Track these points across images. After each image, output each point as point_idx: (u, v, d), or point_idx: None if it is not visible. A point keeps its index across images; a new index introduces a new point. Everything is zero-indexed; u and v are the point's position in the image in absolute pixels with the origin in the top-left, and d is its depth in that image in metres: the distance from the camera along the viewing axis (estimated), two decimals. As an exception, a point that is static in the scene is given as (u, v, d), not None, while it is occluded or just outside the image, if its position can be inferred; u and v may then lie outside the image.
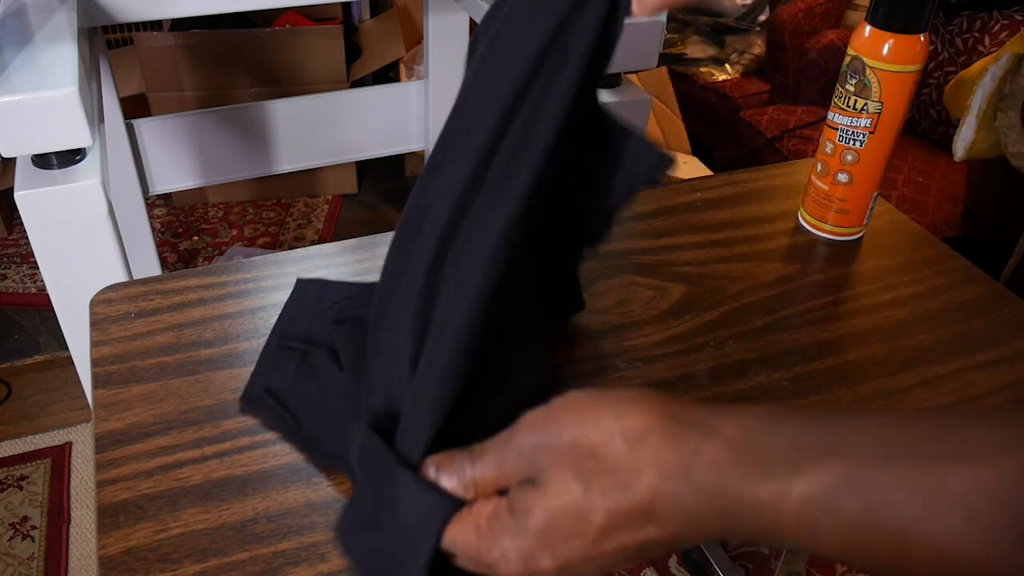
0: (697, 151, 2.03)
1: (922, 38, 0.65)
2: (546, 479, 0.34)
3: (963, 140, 1.37)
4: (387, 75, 2.16)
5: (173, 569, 0.47)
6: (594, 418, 0.34)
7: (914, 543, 0.28)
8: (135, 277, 0.71)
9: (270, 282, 0.69)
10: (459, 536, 0.37)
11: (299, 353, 0.58)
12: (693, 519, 0.32)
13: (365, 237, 0.74)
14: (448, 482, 0.38)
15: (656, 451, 0.32)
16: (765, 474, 0.30)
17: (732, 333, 0.64)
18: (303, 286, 0.64)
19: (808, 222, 0.76)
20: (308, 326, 0.60)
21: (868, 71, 0.67)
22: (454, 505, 0.38)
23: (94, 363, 0.60)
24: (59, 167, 0.76)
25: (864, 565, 0.29)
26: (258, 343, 0.63)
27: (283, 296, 0.67)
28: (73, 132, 0.73)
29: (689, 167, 1.85)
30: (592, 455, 0.33)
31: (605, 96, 0.94)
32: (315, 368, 0.56)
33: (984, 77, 1.30)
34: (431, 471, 0.39)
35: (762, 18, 2.30)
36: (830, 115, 0.71)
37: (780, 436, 0.31)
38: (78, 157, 0.77)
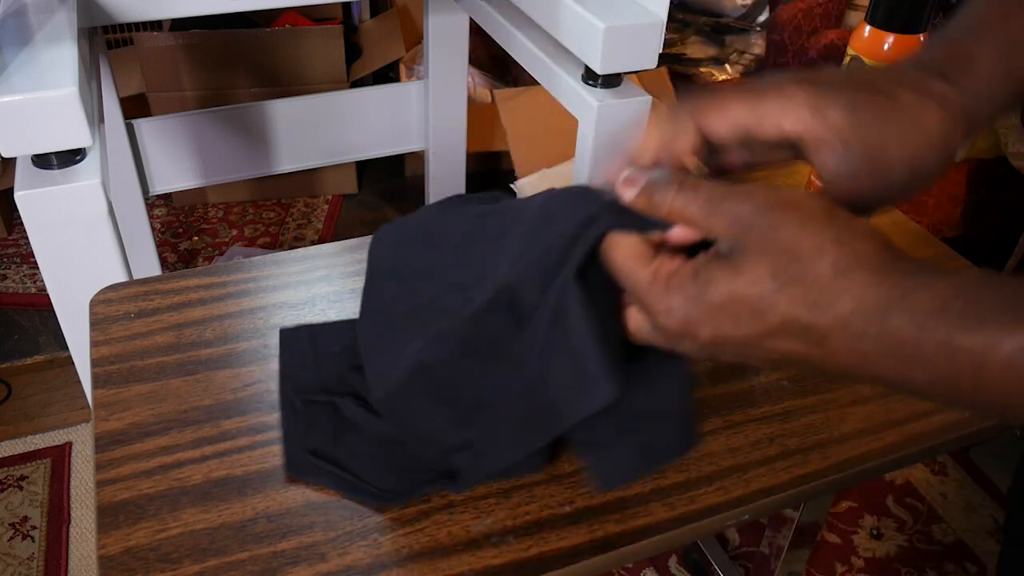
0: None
1: (922, 38, 0.65)
2: (743, 261, 0.35)
3: (963, 140, 1.37)
4: (387, 75, 2.16)
5: (173, 569, 0.47)
6: (816, 230, 0.34)
7: None
8: (135, 277, 0.71)
9: (270, 282, 0.69)
10: (633, 272, 0.38)
11: (328, 407, 0.56)
12: (868, 359, 0.33)
13: (365, 237, 0.74)
14: (632, 189, 0.38)
15: (860, 286, 0.33)
16: (975, 326, 0.30)
17: (732, 333, 0.64)
18: (290, 337, 0.62)
19: (808, 222, 0.76)
20: (316, 376, 0.58)
21: (868, 71, 0.67)
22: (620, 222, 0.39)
23: (94, 363, 0.60)
24: (59, 167, 0.76)
25: None
26: (258, 343, 0.63)
27: (283, 296, 0.67)
28: (73, 132, 0.73)
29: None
30: (798, 262, 0.33)
31: (606, 96, 0.94)
32: (351, 418, 0.55)
33: (984, 77, 1.30)
34: (626, 170, 0.39)
35: (762, 18, 2.30)
36: (830, 115, 0.71)
37: (993, 293, 0.31)
38: (78, 157, 0.77)
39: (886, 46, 0.65)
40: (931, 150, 0.39)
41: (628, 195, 0.39)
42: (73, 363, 0.84)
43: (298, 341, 0.61)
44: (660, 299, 0.37)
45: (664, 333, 0.38)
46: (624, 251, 0.38)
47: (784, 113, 0.40)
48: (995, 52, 0.41)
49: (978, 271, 0.32)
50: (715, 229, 0.36)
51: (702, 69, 2.23)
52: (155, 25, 1.92)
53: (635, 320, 0.41)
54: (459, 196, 0.61)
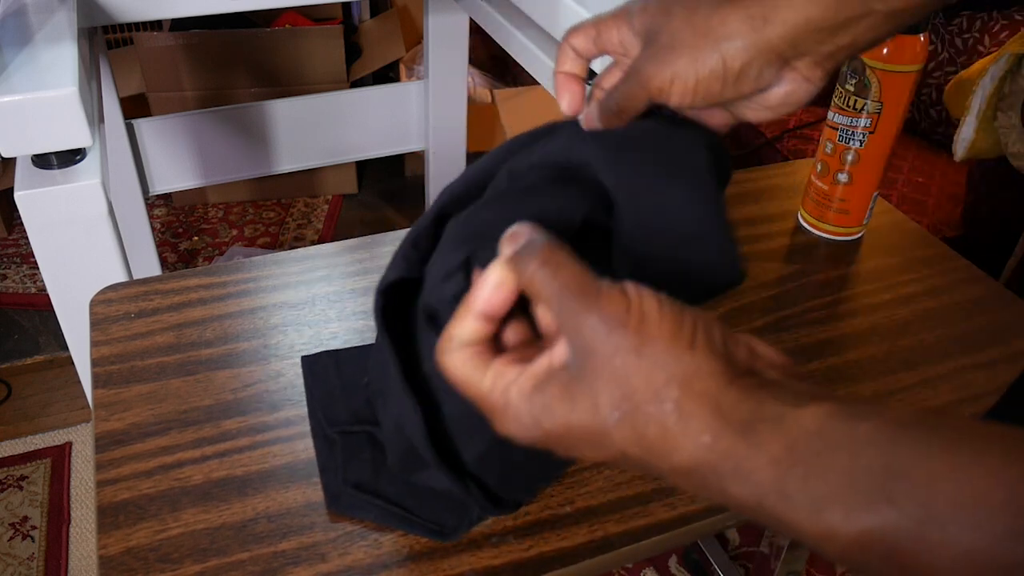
0: (697, 151, 2.02)
1: (922, 38, 0.65)
2: (579, 389, 0.32)
3: (963, 140, 1.37)
4: (387, 75, 2.16)
5: (173, 569, 0.47)
6: (655, 364, 0.31)
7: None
8: (135, 277, 0.71)
9: (270, 282, 0.69)
10: (468, 386, 0.35)
11: (365, 437, 0.55)
12: (711, 500, 0.31)
13: (365, 237, 0.75)
14: (511, 247, 0.34)
15: (694, 441, 0.30)
16: (813, 511, 0.28)
17: (732, 333, 0.64)
18: (313, 364, 0.60)
19: (808, 222, 0.76)
20: (347, 406, 0.57)
21: (868, 71, 0.67)
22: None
23: (94, 363, 0.60)
24: (59, 167, 0.76)
25: None
26: (258, 343, 0.63)
27: (283, 296, 0.67)
28: (73, 132, 0.73)
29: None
30: (631, 400, 0.31)
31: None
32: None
33: (984, 77, 1.30)
34: (515, 226, 0.35)
35: (762, 18, 2.30)
36: (830, 115, 0.71)
37: (837, 459, 0.28)
38: (78, 157, 0.77)
39: (886, 46, 0.65)
40: (700, 43, 0.41)
41: (505, 251, 0.35)
42: (73, 363, 0.84)
43: (323, 369, 0.60)
44: (499, 419, 0.34)
45: (498, 429, 0.36)
46: (456, 361, 0.35)
47: (612, 29, 0.45)
48: None
49: (829, 407, 0.29)
50: (559, 329, 0.33)
51: (702, 69, 2.23)
52: (155, 25, 1.92)
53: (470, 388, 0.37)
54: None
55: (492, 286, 0.34)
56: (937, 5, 0.43)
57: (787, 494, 0.29)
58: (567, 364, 0.33)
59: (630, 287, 0.32)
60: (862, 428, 0.29)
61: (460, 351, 0.35)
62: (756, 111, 0.44)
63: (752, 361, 0.32)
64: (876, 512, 0.27)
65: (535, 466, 0.51)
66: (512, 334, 0.36)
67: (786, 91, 0.43)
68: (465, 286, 0.40)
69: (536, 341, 0.36)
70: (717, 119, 0.47)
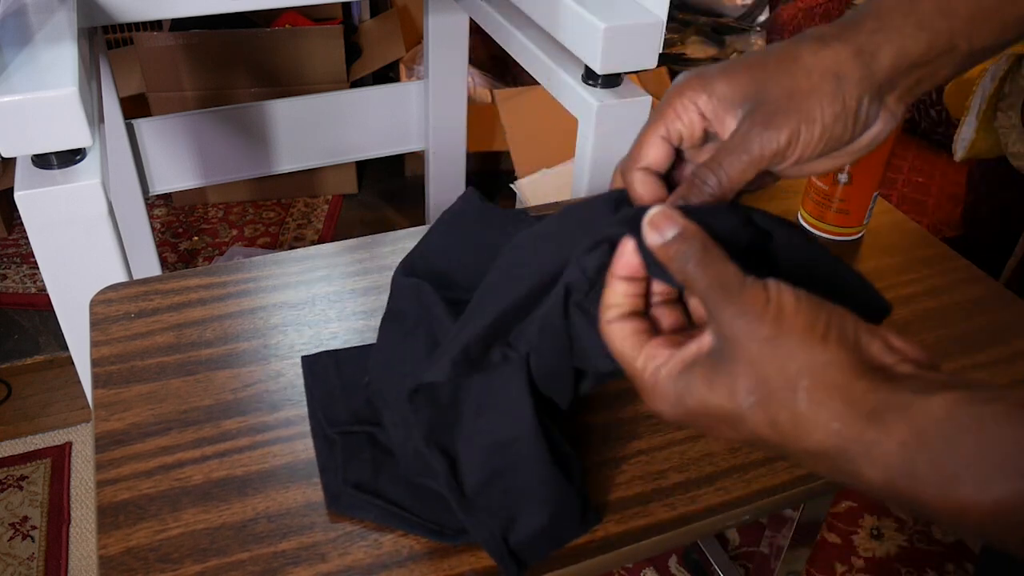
0: (697, 151, 2.02)
1: (922, 38, 0.65)
2: (718, 375, 0.35)
3: (963, 140, 1.37)
4: (387, 75, 2.15)
5: (173, 569, 0.47)
6: (791, 352, 0.33)
7: None
8: (135, 277, 0.71)
9: (270, 282, 0.69)
10: (626, 362, 0.38)
11: (365, 437, 0.55)
12: (843, 482, 0.33)
13: (365, 237, 0.75)
14: (658, 236, 0.37)
15: (825, 429, 0.32)
16: (943, 488, 0.30)
17: (732, 333, 0.64)
18: (313, 364, 0.61)
19: (808, 222, 0.76)
20: (347, 406, 0.57)
21: (868, 71, 0.66)
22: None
23: (94, 363, 0.60)
24: (59, 167, 0.76)
25: None
26: (258, 343, 0.63)
27: (283, 296, 0.67)
28: (73, 132, 0.73)
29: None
30: (766, 386, 0.33)
31: (606, 96, 0.94)
32: (389, 447, 0.54)
33: (984, 77, 1.30)
34: (657, 209, 0.37)
35: (762, 18, 2.30)
36: (830, 115, 0.71)
37: (966, 439, 0.30)
38: (78, 157, 0.77)
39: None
40: (817, 87, 0.40)
41: (652, 239, 0.37)
42: (73, 363, 0.84)
43: (323, 369, 0.60)
44: (648, 395, 0.37)
45: (648, 408, 0.39)
46: (619, 336, 0.38)
47: (687, 107, 0.42)
48: None
49: (958, 394, 0.30)
50: (707, 319, 0.36)
51: (702, 69, 2.23)
52: (155, 25, 1.92)
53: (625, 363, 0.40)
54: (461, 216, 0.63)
55: (630, 251, 0.38)
56: (1015, 42, 0.43)
57: (917, 475, 0.30)
58: (712, 351, 0.35)
59: (771, 283, 0.34)
60: (988, 410, 0.30)
61: (619, 324, 0.38)
62: (835, 158, 0.42)
63: (885, 355, 0.34)
64: (1009, 482, 0.28)
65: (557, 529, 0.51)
66: (668, 319, 0.39)
67: (877, 130, 0.42)
68: (607, 260, 0.41)
69: (690, 328, 0.39)
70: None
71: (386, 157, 1.70)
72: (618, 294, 0.39)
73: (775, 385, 0.33)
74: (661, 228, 0.37)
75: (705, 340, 0.36)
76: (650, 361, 0.37)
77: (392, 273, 0.64)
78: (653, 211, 0.37)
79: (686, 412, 0.36)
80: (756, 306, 0.34)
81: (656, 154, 0.43)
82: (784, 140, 0.40)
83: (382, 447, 0.54)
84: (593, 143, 0.96)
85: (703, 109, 0.42)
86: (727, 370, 0.34)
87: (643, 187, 0.43)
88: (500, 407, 0.47)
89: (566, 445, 0.49)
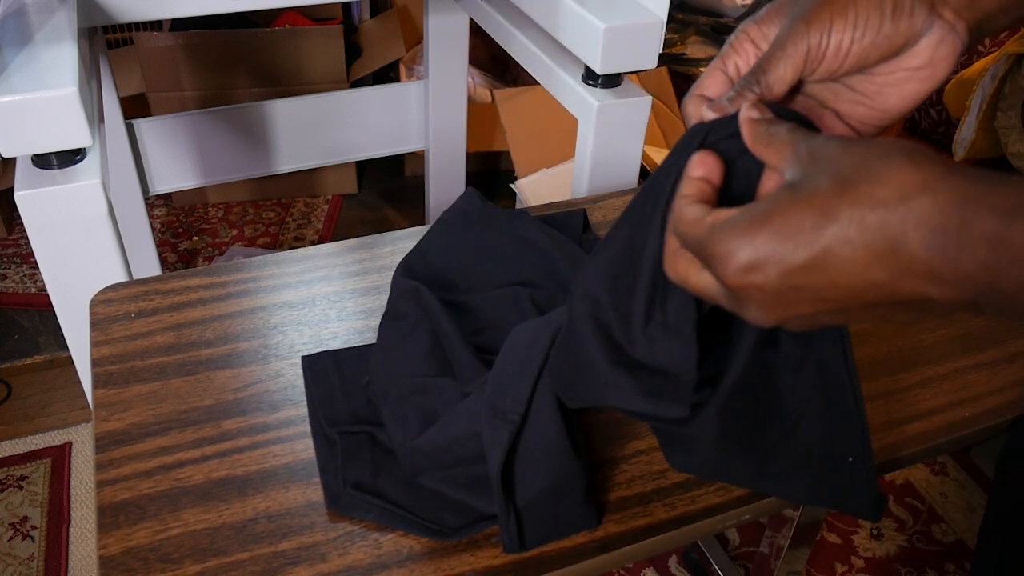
0: (697, 151, 2.02)
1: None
2: (803, 180, 0.33)
3: (963, 140, 1.37)
4: (387, 75, 2.15)
5: (173, 569, 0.47)
6: (883, 144, 0.32)
7: None
8: (135, 277, 0.71)
9: (270, 282, 0.69)
10: (692, 226, 0.37)
11: (365, 437, 0.55)
12: (949, 261, 0.30)
13: (365, 237, 0.75)
14: (755, 111, 0.38)
15: (933, 182, 0.30)
16: None
17: (732, 333, 0.64)
18: (313, 364, 0.61)
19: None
20: (347, 406, 0.57)
21: (868, 71, 0.67)
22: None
23: (94, 363, 0.60)
24: (59, 167, 0.76)
25: None
26: (258, 343, 0.63)
27: (283, 296, 0.67)
28: (73, 132, 0.73)
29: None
30: (863, 165, 0.32)
31: (606, 96, 0.94)
32: (390, 447, 0.54)
33: (984, 77, 1.30)
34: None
35: (762, 18, 2.30)
36: (830, 115, 0.71)
37: None
38: (78, 157, 0.77)
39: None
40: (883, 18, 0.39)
41: (751, 113, 0.38)
42: (73, 363, 0.84)
43: (323, 369, 0.60)
44: (720, 242, 0.34)
45: (729, 283, 0.35)
46: (682, 214, 0.37)
47: (741, 40, 0.43)
48: None
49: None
50: (793, 165, 0.35)
51: (702, 69, 2.23)
52: (155, 25, 1.92)
53: (701, 279, 0.38)
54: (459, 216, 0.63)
55: (699, 154, 0.39)
56: None
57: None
58: (787, 184, 0.34)
59: None
60: None
61: (686, 208, 0.37)
62: (901, 81, 0.41)
63: None
64: None
65: (570, 516, 0.51)
66: None
67: (934, 41, 0.40)
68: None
69: None
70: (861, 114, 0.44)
71: (386, 157, 1.70)
72: (692, 186, 0.38)
73: (872, 161, 0.31)
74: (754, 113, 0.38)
75: (772, 185, 0.36)
76: (719, 215, 0.35)
77: (392, 273, 0.64)
78: (746, 108, 0.39)
79: (766, 236, 0.33)
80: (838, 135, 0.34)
81: (712, 83, 0.44)
82: (816, 35, 0.40)
83: (382, 447, 0.54)
84: (593, 143, 0.96)
85: (754, 37, 0.43)
86: (812, 175, 0.33)
87: (693, 108, 0.44)
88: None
89: (578, 433, 0.50)
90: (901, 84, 0.41)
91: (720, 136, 0.40)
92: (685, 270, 0.38)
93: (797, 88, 0.43)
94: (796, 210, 0.32)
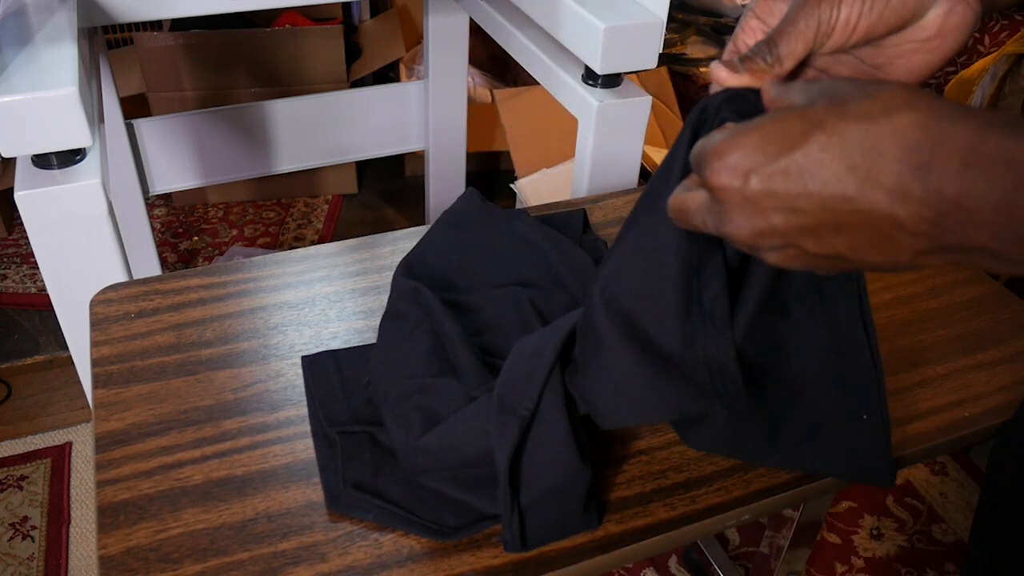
0: (697, 151, 2.02)
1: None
2: (807, 99, 0.34)
3: (963, 140, 1.37)
4: (387, 75, 2.15)
5: (173, 569, 0.47)
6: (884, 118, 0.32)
7: None
8: (135, 277, 0.71)
9: (270, 282, 0.69)
10: (702, 144, 0.36)
11: (365, 437, 0.55)
12: (921, 177, 0.31)
13: (365, 237, 0.75)
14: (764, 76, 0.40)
15: (935, 99, 0.31)
16: None
17: (732, 333, 0.64)
18: (313, 364, 0.61)
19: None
20: (347, 406, 0.57)
21: (868, 71, 0.66)
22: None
23: (94, 363, 0.60)
24: (59, 167, 0.76)
25: None
26: (258, 343, 0.63)
27: (283, 296, 0.67)
28: (73, 132, 0.73)
29: (689, 167, 1.84)
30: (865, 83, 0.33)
31: (606, 96, 0.94)
32: (390, 447, 0.54)
33: (984, 77, 1.30)
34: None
35: (762, 18, 2.30)
36: (830, 115, 0.71)
37: None
38: (78, 157, 0.77)
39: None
40: None
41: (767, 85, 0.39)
42: (73, 363, 0.84)
43: (323, 369, 0.60)
44: (715, 144, 0.35)
45: (712, 183, 0.36)
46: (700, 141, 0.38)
47: (748, 18, 0.43)
48: None
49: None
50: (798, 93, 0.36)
51: (702, 69, 2.24)
52: (155, 25, 1.92)
53: (693, 198, 0.39)
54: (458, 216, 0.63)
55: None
56: None
57: None
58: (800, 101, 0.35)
59: None
60: None
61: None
62: (910, 52, 0.42)
63: None
64: None
65: (573, 521, 0.51)
66: None
67: (944, 12, 0.40)
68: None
69: None
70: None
71: (386, 157, 1.70)
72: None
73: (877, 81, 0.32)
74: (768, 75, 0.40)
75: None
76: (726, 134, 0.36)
77: (392, 273, 0.64)
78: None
79: (759, 137, 0.34)
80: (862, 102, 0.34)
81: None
82: (827, 9, 0.40)
83: (382, 447, 0.54)
84: (593, 143, 0.96)
85: (759, 13, 0.43)
86: (817, 96, 0.34)
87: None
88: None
89: (585, 437, 0.50)
90: (910, 55, 0.42)
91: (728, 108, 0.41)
92: (682, 196, 0.39)
93: (806, 60, 0.43)
94: (789, 120, 0.34)
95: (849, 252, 0.34)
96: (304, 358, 0.61)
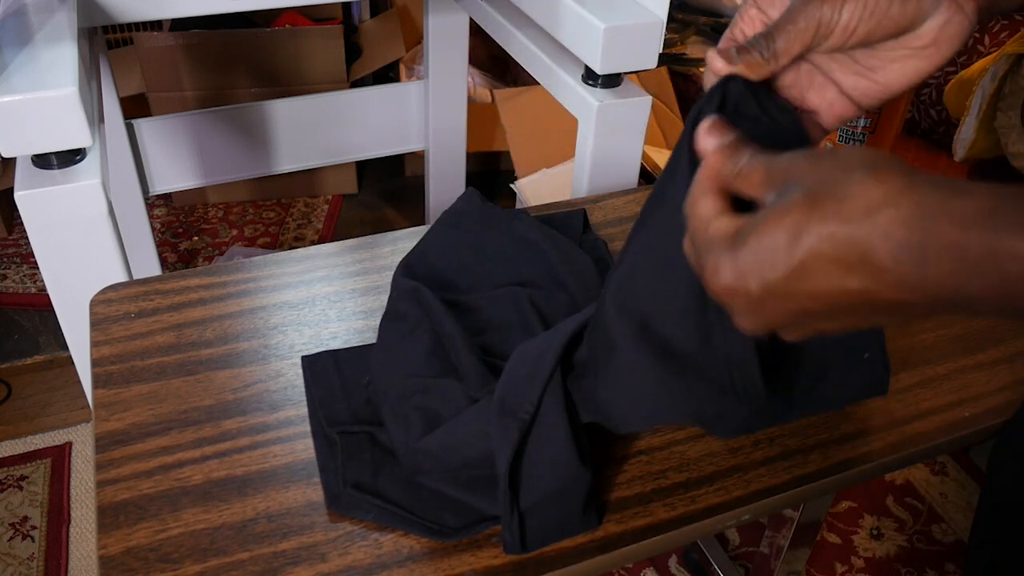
0: (697, 151, 2.02)
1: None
2: (779, 201, 0.34)
3: (963, 140, 1.37)
4: (387, 75, 2.15)
5: (173, 569, 0.47)
6: (848, 158, 0.33)
7: None
8: (135, 277, 0.71)
9: (270, 282, 0.69)
10: (696, 229, 0.37)
11: (365, 437, 0.55)
12: (915, 273, 0.31)
13: (365, 237, 0.75)
14: (714, 140, 0.39)
15: (897, 194, 0.31)
16: (1021, 230, 0.29)
17: (732, 333, 0.64)
18: (313, 364, 0.61)
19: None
20: (348, 406, 0.57)
21: (868, 71, 0.67)
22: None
23: (94, 363, 0.60)
24: (59, 167, 0.76)
25: None
26: (258, 343, 0.63)
27: (283, 296, 0.67)
28: (73, 132, 0.73)
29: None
30: (832, 183, 0.33)
31: (606, 96, 0.94)
32: (390, 447, 0.54)
33: (984, 77, 1.30)
34: (711, 119, 0.40)
35: (762, 18, 2.30)
36: (830, 115, 0.71)
37: None
38: (78, 157, 0.77)
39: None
40: None
41: (709, 143, 0.39)
42: (73, 363, 0.84)
43: (323, 369, 0.60)
44: (709, 257, 0.36)
45: (716, 294, 0.37)
46: (694, 207, 0.38)
47: (748, 9, 0.43)
48: None
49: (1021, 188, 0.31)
50: (769, 190, 0.36)
51: (702, 69, 2.23)
52: (155, 25, 1.92)
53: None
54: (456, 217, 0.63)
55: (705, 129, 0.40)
56: None
57: (995, 220, 0.29)
58: (766, 203, 0.36)
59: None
60: None
61: (703, 200, 0.38)
62: (904, 58, 0.42)
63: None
64: None
65: (572, 522, 0.51)
66: None
67: (942, 20, 0.41)
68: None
69: None
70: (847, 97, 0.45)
71: (386, 157, 1.70)
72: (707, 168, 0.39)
73: (838, 178, 0.32)
74: (715, 134, 0.39)
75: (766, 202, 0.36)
76: (719, 225, 0.37)
77: (392, 273, 0.64)
78: (706, 122, 0.39)
79: (744, 253, 0.35)
80: (810, 151, 0.35)
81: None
82: (828, 11, 0.41)
83: (382, 447, 0.54)
84: (593, 143, 0.96)
85: (760, 4, 0.43)
86: (786, 195, 0.34)
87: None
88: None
89: (585, 440, 0.50)
90: (904, 60, 0.42)
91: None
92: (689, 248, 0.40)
93: (800, 55, 0.43)
94: (771, 229, 0.34)
95: (862, 322, 0.35)
96: (304, 358, 0.61)
